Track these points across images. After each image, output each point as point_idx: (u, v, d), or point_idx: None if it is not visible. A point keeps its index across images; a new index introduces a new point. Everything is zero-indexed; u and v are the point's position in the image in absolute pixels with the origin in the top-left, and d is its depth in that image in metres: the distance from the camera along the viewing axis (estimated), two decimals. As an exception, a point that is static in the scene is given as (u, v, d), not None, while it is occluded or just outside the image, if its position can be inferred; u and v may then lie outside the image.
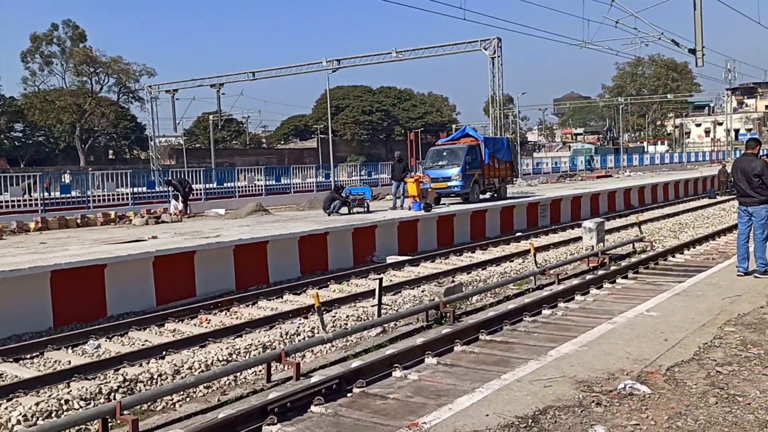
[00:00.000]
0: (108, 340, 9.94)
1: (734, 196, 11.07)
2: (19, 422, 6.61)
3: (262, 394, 7.57)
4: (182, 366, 8.41)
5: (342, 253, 16.52)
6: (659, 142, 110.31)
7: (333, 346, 9.83)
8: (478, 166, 23.35)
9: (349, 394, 7.37)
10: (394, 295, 12.71)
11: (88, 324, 10.91)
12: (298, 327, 10.44)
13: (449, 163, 22.98)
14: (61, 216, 21.15)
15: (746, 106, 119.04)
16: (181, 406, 7.37)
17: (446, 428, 4.36)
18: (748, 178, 9.52)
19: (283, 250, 14.97)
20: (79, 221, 20.94)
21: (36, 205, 23.80)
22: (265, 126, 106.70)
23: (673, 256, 15.82)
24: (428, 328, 10.66)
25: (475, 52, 39.29)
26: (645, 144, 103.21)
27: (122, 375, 7.95)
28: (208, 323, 10.93)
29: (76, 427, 6.39)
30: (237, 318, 11.28)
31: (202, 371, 8.33)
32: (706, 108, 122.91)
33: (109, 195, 26.61)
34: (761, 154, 9.93)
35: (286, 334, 10.06)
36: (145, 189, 29.52)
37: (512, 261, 16.21)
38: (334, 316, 11.17)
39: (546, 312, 10.83)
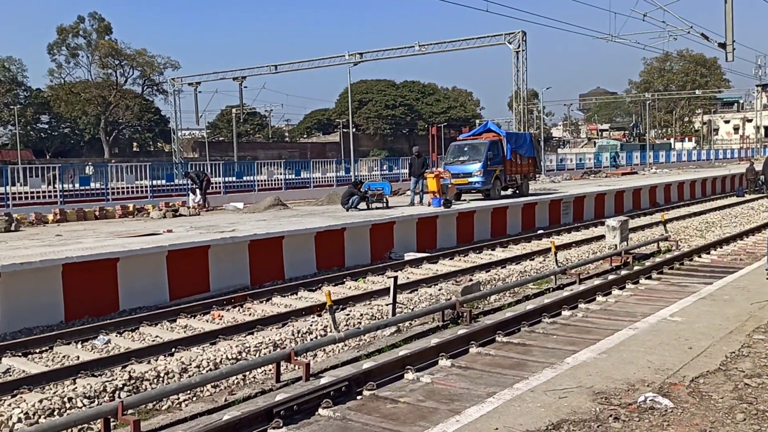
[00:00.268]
0: (119, 335, 9.83)
1: (764, 195, 10.62)
2: (20, 420, 6.49)
3: (269, 395, 7.39)
4: (190, 364, 8.26)
5: (359, 249, 16.31)
6: (686, 139, 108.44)
7: (346, 345, 9.62)
8: (500, 161, 22.98)
9: (359, 397, 7.18)
10: (410, 293, 12.49)
11: (99, 318, 10.85)
12: (311, 325, 10.25)
13: (470, 158, 22.64)
14: (79, 208, 21.17)
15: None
16: (187, 405, 7.21)
17: (453, 442, 4.12)
18: (780, 177, 9.11)
19: (298, 245, 14.80)
20: (97, 213, 20.96)
21: (56, 196, 23.91)
22: (288, 120, 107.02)
23: (699, 257, 15.38)
24: (444, 328, 10.42)
25: (500, 46, 38.88)
26: (672, 141, 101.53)
27: (128, 372, 7.81)
28: (221, 319, 10.79)
29: (78, 427, 6.25)
30: (250, 315, 11.13)
31: (210, 370, 8.16)
32: (735, 104, 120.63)
33: (128, 187, 26.65)
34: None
35: (298, 332, 9.87)
36: (164, 182, 29.53)
37: (533, 259, 15.89)
38: (348, 314, 10.97)
39: (566, 313, 10.55)
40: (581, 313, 10.59)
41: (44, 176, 25.36)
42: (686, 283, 12.32)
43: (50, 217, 19.78)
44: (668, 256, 15.30)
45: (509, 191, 24.52)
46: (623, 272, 13.60)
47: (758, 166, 28.94)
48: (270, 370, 8.17)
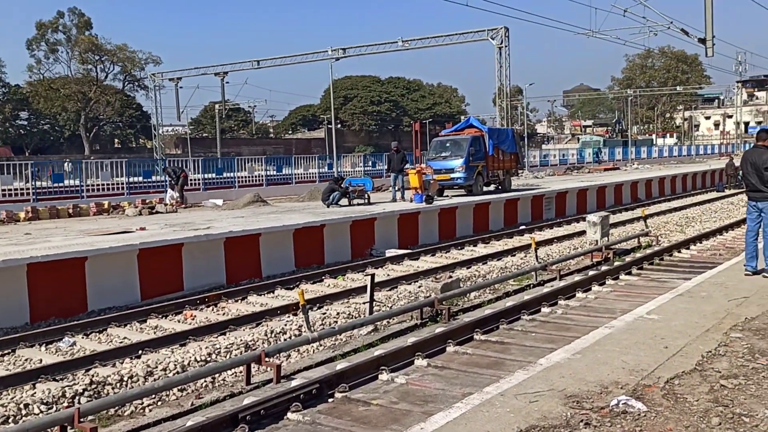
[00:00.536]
0: (85, 336, 9.54)
1: (742, 190, 10.51)
2: (-28, 428, 6.22)
3: (238, 398, 7.15)
4: (156, 367, 7.99)
5: (339, 246, 16.09)
6: (668, 135, 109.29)
7: (321, 345, 9.42)
8: (482, 157, 22.87)
9: (330, 399, 6.98)
10: (390, 290, 12.32)
11: (67, 320, 10.53)
12: (286, 325, 10.04)
13: (453, 154, 22.50)
14: (52, 206, 20.72)
15: (756, 98, 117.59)
16: (151, 410, 6.96)
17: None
18: (759, 171, 8.97)
19: (276, 243, 14.55)
20: (71, 211, 20.53)
21: (29, 194, 23.43)
22: (273, 116, 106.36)
23: (679, 252, 15.31)
24: (422, 326, 10.24)
25: (484, 43, 38.70)
26: (654, 136, 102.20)
27: (90, 377, 7.52)
28: (193, 319, 10.52)
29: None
30: (223, 314, 10.87)
31: (177, 372, 7.90)
32: (716, 100, 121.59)
33: (104, 184, 26.17)
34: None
35: (272, 332, 9.65)
36: (141, 179, 29.04)
37: (514, 255, 15.77)
38: (325, 313, 10.77)
39: (545, 310, 10.41)
40: (561, 309, 10.46)
41: (21, 173, 24.85)
42: (666, 279, 12.23)
43: (21, 215, 19.35)
44: (648, 251, 15.21)
45: (492, 187, 24.45)
46: (603, 268, 13.48)
47: (738, 162, 29.02)
48: (241, 372, 7.95)
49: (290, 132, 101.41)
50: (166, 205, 21.71)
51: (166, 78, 54.91)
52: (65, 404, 6.80)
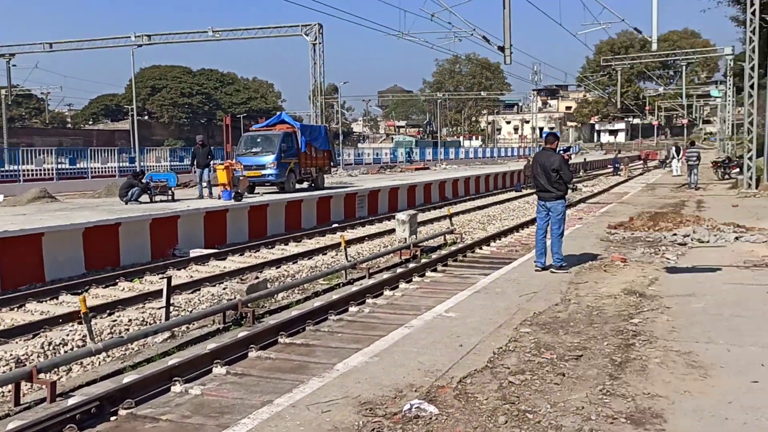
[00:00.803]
0: None
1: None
2: None
3: (2, 422, 6.21)
4: None
5: (137, 246, 14.93)
6: (474, 137, 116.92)
7: (109, 357, 8.56)
8: (294, 154, 22.58)
9: (113, 418, 6.31)
10: (192, 293, 11.63)
11: None
12: (68, 335, 9.00)
13: (264, 150, 21.97)
14: None
15: (549, 106, 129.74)
16: None
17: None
18: (547, 172, 9.56)
19: (63, 243, 13.12)
20: None
21: None
22: (71, 104, 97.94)
23: (481, 248, 16.11)
24: (225, 331, 9.71)
25: (300, 39, 38.41)
26: (461, 138, 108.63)
27: None
28: (-47, 333, 9.08)
29: None
30: (-7, 326, 9.52)
31: None
32: (515, 106, 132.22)
33: None
34: (560, 149, 10.02)
35: (50, 344, 8.59)
36: None
37: (325, 254, 15.64)
38: (116, 321, 9.86)
39: (353, 309, 10.35)
40: (368, 308, 10.46)
41: None
42: (468, 275, 12.73)
43: None
44: (453, 248, 15.82)
45: (305, 184, 24.24)
46: (411, 265, 13.78)
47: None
48: (10, 391, 6.94)
49: (91, 122, 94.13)
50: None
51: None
52: None
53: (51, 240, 12.86)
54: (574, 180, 24.43)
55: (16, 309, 10.46)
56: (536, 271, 9.71)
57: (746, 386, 4.73)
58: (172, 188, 19.85)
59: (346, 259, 13.83)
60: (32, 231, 12.55)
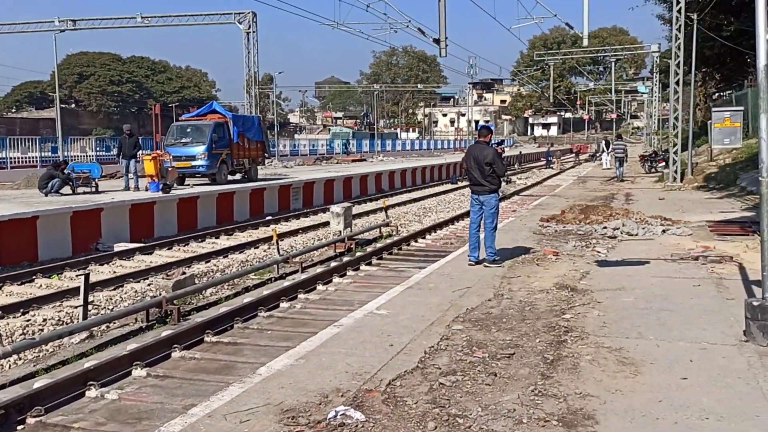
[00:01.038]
0: None
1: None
2: None
3: None
4: None
5: (57, 240, 14.17)
6: (411, 130, 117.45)
7: (21, 359, 8.02)
8: (226, 145, 21.99)
9: (20, 427, 5.85)
10: (114, 290, 11.11)
11: None
12: (-26, 337, 8.37)
13: (194, 140, 21.29)
14: None
15: (485, 99, 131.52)
16: None
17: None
18: (480, 166, 9.47)
19: (-27, 238, 12.32)
20: None
21: None
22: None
23: (416, 241, 16.00)
24: (148, 330, 9.27)
25: (234, 27, 37.45)
26: (398, 130, 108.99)
27: None
28: None
29: None
30: None
31: None
32: (452, 99, 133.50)
33: None
34: (493, 143, 9.95)
35: (-48, 348, 7.95)
36: None
37: (257, 248, 15.23)
38: (29, 320, 9.28)
39: (284, 305, 10.06)
40: (300, 304, 10.19)
41: None
42: (402, 269, 12.58)
43: None
44: (388, 241, 15.66)
45: (237, 176, 23.67)
46: (345, 259, 13.54)
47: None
48: None
49: (14, 110, 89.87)
50: None
51: None
52: None
53: (-41, 235, 12.05)
54: (508, 173, 24.68)
55: None
56: (470, 265, 9.62)
57: (676, 383, 4.70)
58: (96, 179, 19.00)
59: (279, 252, 13.48)
60: (-63, 225, 11.72)
